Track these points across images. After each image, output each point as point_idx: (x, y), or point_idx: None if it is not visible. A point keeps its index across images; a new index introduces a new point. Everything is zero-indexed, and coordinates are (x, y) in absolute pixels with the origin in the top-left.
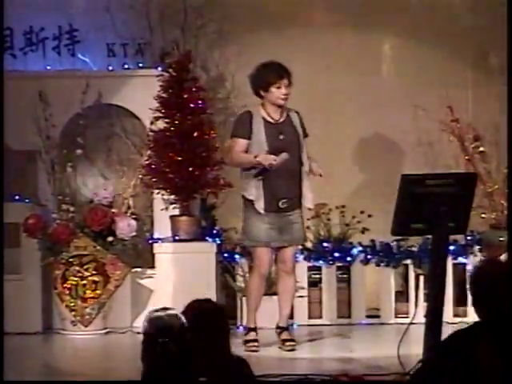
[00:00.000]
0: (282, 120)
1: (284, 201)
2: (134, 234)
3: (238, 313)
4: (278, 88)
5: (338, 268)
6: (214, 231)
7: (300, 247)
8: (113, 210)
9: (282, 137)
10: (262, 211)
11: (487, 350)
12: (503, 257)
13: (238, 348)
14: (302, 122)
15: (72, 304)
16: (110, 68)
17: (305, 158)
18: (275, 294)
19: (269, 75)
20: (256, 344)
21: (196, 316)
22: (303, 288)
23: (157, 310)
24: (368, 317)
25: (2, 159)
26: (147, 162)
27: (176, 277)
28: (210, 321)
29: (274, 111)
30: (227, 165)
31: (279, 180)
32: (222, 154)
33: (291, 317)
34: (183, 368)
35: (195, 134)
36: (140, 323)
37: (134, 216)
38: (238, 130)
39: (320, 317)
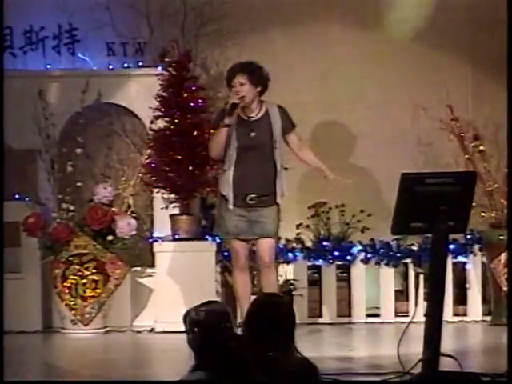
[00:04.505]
0: (256, 117)
1: (252, 196)
2: (134, 232)
3: (237, 311)
4: (233, 86)
5: (338, 267)
6: None
7: (299, 246)
8: (113, 209)
9: (253, 134)
10: (230, 206)
11: None
12: (503, 256)
13: None
14: (286, 116)
15: (72, 303)
16: (110, 67)
17: (278, 155)
18: None
19: (226, 74)
20: None
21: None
22: (303, 287)
23: (202, 305)
24: (368, 316)
25: (2, 158)
26: (147, 161)
27: (176, 276)
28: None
29: (247, 108)
30: (212, 158)
31: (249, 176)
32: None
33: None
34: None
35: (195, 133)
36: (140, 322)
37: (133, 215)
38: (212, 124)
39: (320, 316)
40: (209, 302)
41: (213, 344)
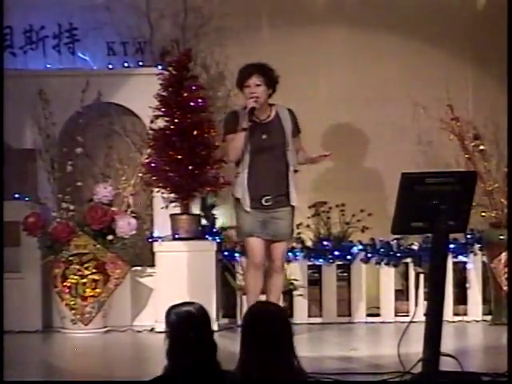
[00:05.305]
0: (268, 119)
1: (267, 198)
2: (134, 232)
3: (237, 311)
4: (247, 87)
5: (338, 267)
6: (214, 230)
7: (300, 246)
8: (113, 209)
9: (264, 136)
10: (247, 209)
11: None
12: (503, 255)
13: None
14: (295, 120)
15: (72, 302)
16: (110, 66)
17: (290, 157)
18: None
19: (239, 75)
20: None
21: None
22: (303, 287)
23: (178, 305)
24: (368, 315)
25: (2, 158)
26: (147, 161)
27: (176, 275)
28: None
29: (259, 110)
30: (230, 162)
31: (263, 178)
32: (223, 153)
33: (291, 315)
34: (208, 361)
35: (195, 133)
36: (140, 322)
37: (133, 214)
38: (225, 128)
39: (320, 315)
40: (184, 304)
41: (180, 348)
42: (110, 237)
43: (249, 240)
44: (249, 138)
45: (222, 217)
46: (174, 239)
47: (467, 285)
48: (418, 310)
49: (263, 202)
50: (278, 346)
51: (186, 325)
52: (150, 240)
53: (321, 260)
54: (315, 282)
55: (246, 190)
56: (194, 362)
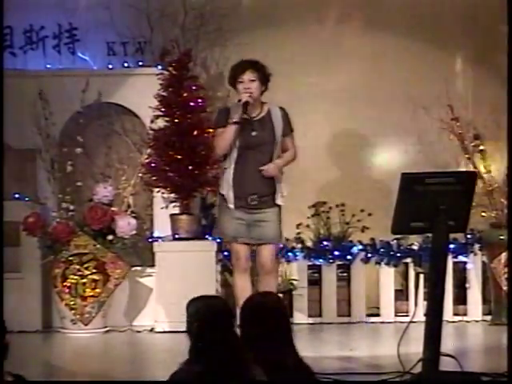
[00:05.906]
0: (259, 117)
1: (253, 197)
2: (134, 232)
3: (237, 311)
4: (241, 82)
5: (338, 266)
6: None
7: (300, 246)
8: (113, 209)
9: (254, 133)
10: (231, 206)
11: None
12: (503, 255)
13: None
14: (287, 119)
15: (72, 302)
16: (110, 66)
17: (276, 156)
18: None
19: (232, 71)
20: None
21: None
22: (303, 287)
23: (200, 298)
24: (368, 315)
25: (2, 158)
26: (147, 161)
27: (176, 275)
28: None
29: (251, 107)
30: (217, 155)
31: (250, 176)
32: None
33: (291, 315)
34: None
35: (195, 133)
36: (140, 322)
37: (133, 214)
38: (216, 122)
39: (320, 315)
40: (210, 297)
41: (210, 342)
42: (110, 237)
43: (233, 245)
44: (238, 134)
45: None
46: (174, 239)
47: (467, 285)
48: (418, 310)
49: (249, 201)
50: (276, 337)
51: (213, 321)
52: (150, 240)
53: (321, 260)
54: (315, 281)
55: (231, 186)
56: (222, 360)
